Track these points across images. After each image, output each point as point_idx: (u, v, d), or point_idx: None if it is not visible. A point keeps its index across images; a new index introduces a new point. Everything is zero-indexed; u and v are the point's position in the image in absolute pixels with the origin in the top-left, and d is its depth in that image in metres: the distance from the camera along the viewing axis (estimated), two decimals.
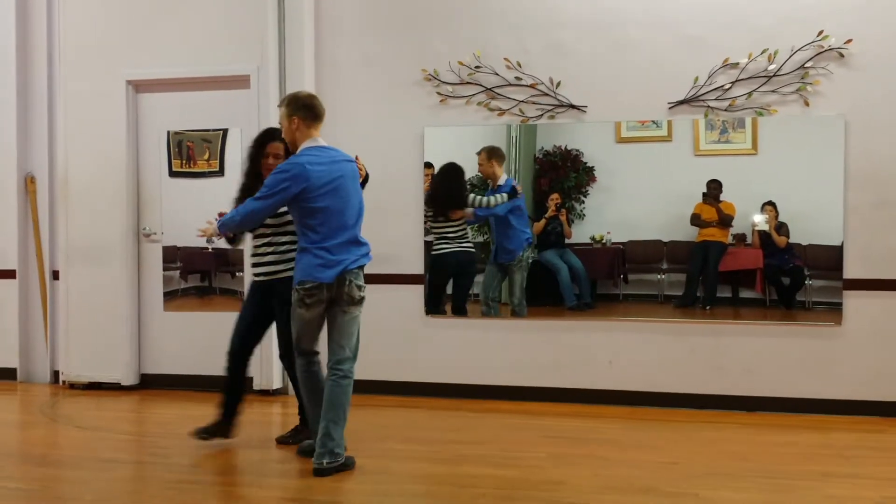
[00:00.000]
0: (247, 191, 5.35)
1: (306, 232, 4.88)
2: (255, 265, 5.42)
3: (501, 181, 7.01)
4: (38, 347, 7.77)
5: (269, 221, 5.26)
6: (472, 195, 7.05)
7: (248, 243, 5.58)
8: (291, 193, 4.80)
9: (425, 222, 7.06)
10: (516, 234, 7.07)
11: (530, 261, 7.07)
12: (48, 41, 7.66)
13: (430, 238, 7.10)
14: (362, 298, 4.96)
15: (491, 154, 6.98)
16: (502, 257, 7.06)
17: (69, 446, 5.84)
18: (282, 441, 5.55)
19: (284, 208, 5.03)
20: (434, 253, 7.07)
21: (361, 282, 4.96)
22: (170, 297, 7.53)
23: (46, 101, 7.68)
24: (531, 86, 6.78)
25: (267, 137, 5.47)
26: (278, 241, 5.32)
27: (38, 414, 6.72)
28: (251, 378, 7.20)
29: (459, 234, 7.07)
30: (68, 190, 7.50)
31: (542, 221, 7.04)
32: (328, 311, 4.95)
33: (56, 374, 7.69)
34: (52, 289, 7.71)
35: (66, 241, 7.52)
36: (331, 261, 4.85)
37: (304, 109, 4.94)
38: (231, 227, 5.01)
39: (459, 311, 7.08)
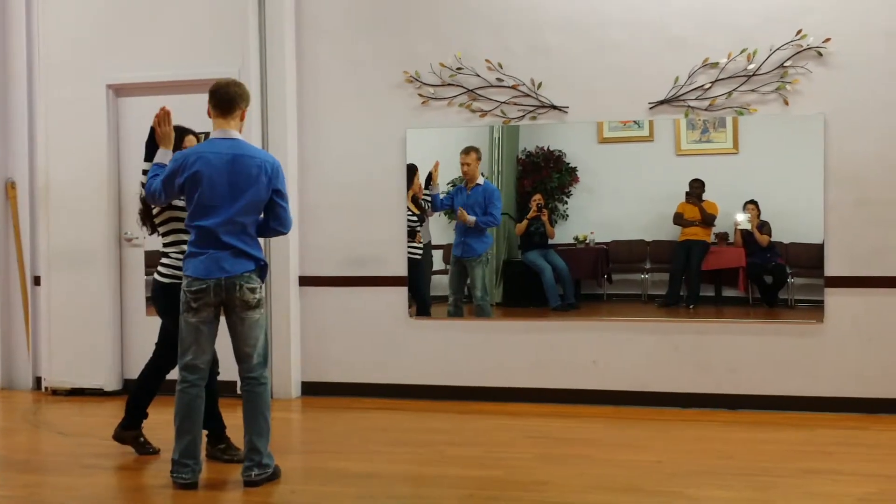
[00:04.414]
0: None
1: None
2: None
3: (480, 181, 7.04)
4: (20, 354, 7.71)
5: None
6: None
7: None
8: (172, 179, 4.69)
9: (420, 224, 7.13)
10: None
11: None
12: (28, 45, 7.60)
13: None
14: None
15: (479, 155, 7.01)
16: None
17: (52, 452, 5.82)
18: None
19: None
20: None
21: (252, 284, 4.71)
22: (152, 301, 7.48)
23: (27, 105, 7.62)
24: (513, 87, 6.79)
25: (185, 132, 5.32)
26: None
27: (21, 420, 6.68)
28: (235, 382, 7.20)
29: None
30: (49, 195, 7.45)
31: (525, 222, 7.06)
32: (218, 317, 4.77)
33: (38, 380, 7.64)
34: (34, 295, 7.66)
35: (47, 246, 7.48)
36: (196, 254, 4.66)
37: (210, 97, 4.79)
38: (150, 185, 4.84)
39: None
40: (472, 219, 7.04)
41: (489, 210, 7.02)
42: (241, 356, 4.76)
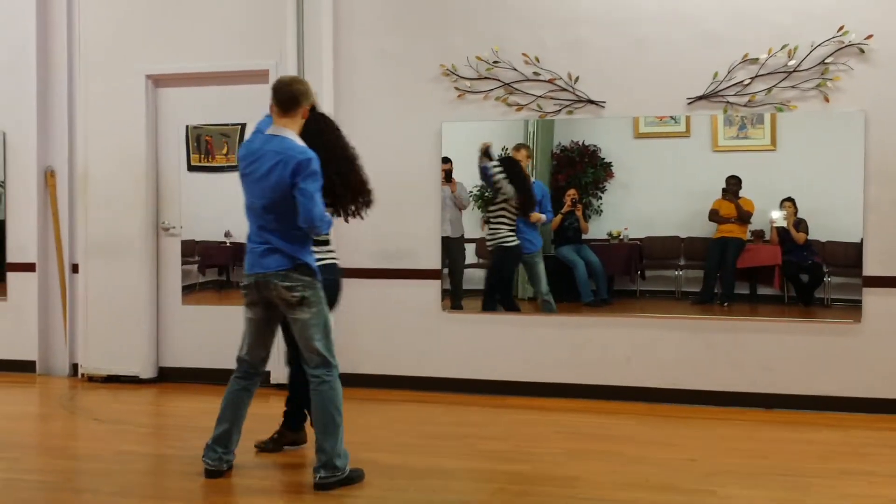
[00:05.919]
0: None
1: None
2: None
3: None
4: (57, 340, 7.82)
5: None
6: None
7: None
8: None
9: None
10: None
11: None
12: (68, 36, 7.69)
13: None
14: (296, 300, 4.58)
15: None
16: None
17: (88, 439, 5.89)
18: (261, 449, 5.26)
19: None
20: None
21: (289, 283, 4.54)
22: (188, 290, 7.56)
23: (66, 96, 7.72)
24: (549, 81, 6.76)
25: None
26: None
27: (58, 406, 6.77)
28: (268, 372, 7.25)
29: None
30: (88, 184, 7.54)
31: (559, 217, 7.04)
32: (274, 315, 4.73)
33: (75, 366, 7.74)
34: (72, 282, 7.76)
35: (85, 234, 7.57)
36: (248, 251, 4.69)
37: (273, 95, 4.69)
38: None
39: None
40: (543, 216, 7.02)
41: (546, 207, 7.03)
42: (302, 355, 4.68)
